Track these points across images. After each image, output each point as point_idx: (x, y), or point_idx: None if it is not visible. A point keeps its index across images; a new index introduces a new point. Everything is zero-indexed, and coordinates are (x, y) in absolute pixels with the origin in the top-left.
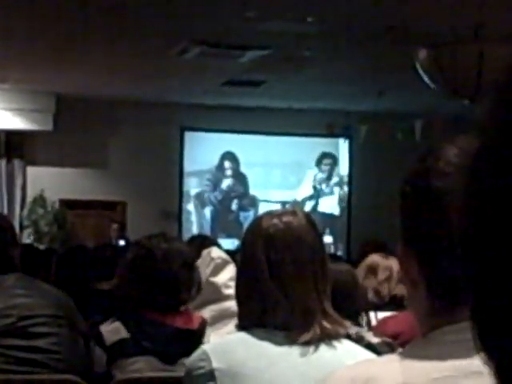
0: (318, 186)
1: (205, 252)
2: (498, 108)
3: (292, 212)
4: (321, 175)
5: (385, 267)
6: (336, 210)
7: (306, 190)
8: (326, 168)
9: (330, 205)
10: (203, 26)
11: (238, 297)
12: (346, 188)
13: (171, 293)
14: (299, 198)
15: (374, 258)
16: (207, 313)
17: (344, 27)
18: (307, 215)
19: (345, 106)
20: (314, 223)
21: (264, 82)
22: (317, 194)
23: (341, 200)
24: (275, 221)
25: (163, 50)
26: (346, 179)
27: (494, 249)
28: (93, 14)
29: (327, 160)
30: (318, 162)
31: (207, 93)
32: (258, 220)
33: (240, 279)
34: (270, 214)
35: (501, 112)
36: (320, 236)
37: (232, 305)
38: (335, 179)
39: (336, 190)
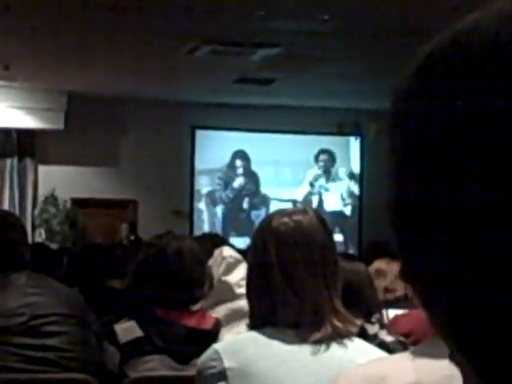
0: (314, 183)
1: (216, 251)
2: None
3: (303, 210)
4: (317, 171)
5: (391, 272)
6: (340, 207)
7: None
8: (321, 164)
9: (335, 202)
10: (214, 24)
11: (249, 295)
12: (355, 186)
13: (184, 290)
14: (300, 197)
15: (380, 264)
16: (220, 312)
17: (354, 25)
18: (318, 214)
19: (355, 104)
20: (325, 222)
21: (275, 81)
22: (318, 191)
23: (349, 196)
24: (285, 219)
25: (174, 48)
26: (356, 177)
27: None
28: (104, 12)
29: (323, 156)
30: (315, 159)
31: (218, 91)
32: (268, 219)
33: (251, 278)
34: (280, 212)
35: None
36: (330, 234)
37: (245, 304)
38: (342, 176)
39: (340, 186)
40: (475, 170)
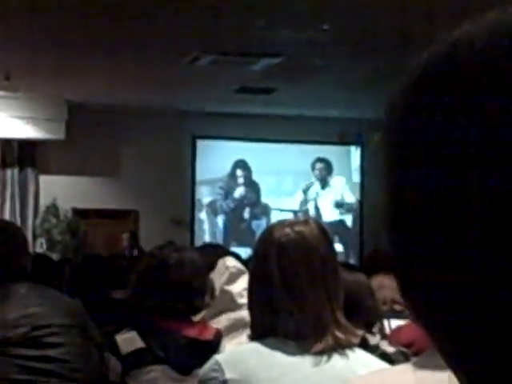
0: (309, 192)
1: (220, 262)
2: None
3: (304, 221)
4: (313, 180)
5: (393, 286)
6: (339, 216)
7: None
8: (317, 173)
9: (334, 211)
10: (215, 34)
11: (251, 306)
12: (354, 195)
13: (185, 300)
14: (296, 207)
15: (383, 278)
16: (222, 322)
17: (355, 35)
18: (319, 224)
19: (356, 113)
20: (327, 232)
21: (276, 90)
22: (313, 199)
23: (349, 206)
24: (287, 230)
25: (175, 58)
26: (357, 187)
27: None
28: (105, 22)
29: (319, 164)
30: (312, 167)
31: (219, 101)
32: (269, 229)
33: (252, 288)
34: (281, 223)
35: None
36: (332, 245)
37: (246, 314)
38: (341, 185)
39: (339, 196)
40: (473, 187)
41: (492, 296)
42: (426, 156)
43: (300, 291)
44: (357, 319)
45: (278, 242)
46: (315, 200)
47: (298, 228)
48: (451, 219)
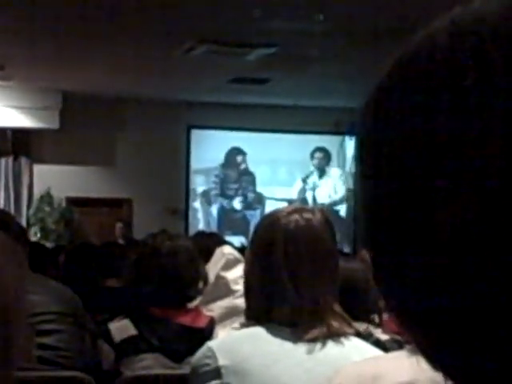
0: (307, 180)
1: (218, 250)
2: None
3: (311, 210)
4: (312, 169)
5: None
6: (334, 205)
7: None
8: (316, 162)
9: (328, 200)
10: (210, 24)
11: (247, 291)
12: (348, 185)
13: (178, 289)
14: (294, 195)
15: None
16: (216, 309)
17: (350, 25)
18: (324, 214)
19: (351, 103)
20: (331, 222)
21: (270, 80)
22: (311, 188)
23: (343, 195)
24: (296, 217)
25: (170, 47)
26: (351, 177)
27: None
28: (99, 11)
29: (319, 154)
30: (311, 156)
31: (214, 91)
32: (275, 215)
33: (252, 273)
34: (289, 209)
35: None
36: (334, 236)
37: (240, 303)
38: (336, 174)
39: (334, 185)
40: (443, 194)
41: (461, 293)
42: (396, 163)
43: (301, 277)
44: (352, 306)
45: (285, 228)
46: (313, 189)
47: (306, 215)
48: (422, 226)
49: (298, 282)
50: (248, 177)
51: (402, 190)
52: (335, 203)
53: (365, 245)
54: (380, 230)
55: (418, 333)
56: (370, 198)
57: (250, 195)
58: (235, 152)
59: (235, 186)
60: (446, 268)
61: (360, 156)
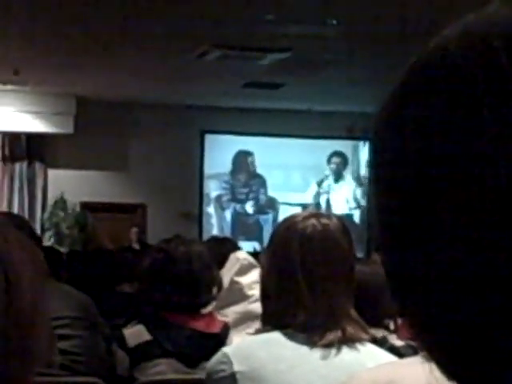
0: (323, 185)
1: (232, 255)
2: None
3: (327, 215)
4: (326, 173)
5: None
6: (348, 210)
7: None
8: (333, 167)
9: (343, 205)
10: (224, 28)
11: (264, 292)
12: (362, 190)
13: (192, 294)
14: (309, 200)
15: None
16: (230, 314)
17: (363, 30)
18: (341, 220)
19: (365, 108)
20: (347, 228)
21: (284, 85)
22: (326, 192)
23: (356, 200)
24: (313, 221)
25: (184, 52)
26: (365, 181)
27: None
28: (114, 16)
29: (336, 158)
30: (328, 161)
31: (227, 95)
32: (292, 219)
33: (268, 277)
34: (306, 214)
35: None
36: (351, 242)
37: (255, 308)
38: (350, 180)
39: (348, 190)
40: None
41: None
42: (409, 169)
43: (316, 280)
44: (369, 312)
45: (302, 232)
46: (327, 194)
47: (323, 221)
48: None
49: (313, 285)
50: (261, 182)
51: (414, 194)
52: (349, 208)
53: (377, 248)
54: (390, 233)
55: (430, 340)
56: (382, 202)
57: (262, 197)
58: (243, 154)
59: (245, 189)
60: (457, 272)
61: (373, 162)
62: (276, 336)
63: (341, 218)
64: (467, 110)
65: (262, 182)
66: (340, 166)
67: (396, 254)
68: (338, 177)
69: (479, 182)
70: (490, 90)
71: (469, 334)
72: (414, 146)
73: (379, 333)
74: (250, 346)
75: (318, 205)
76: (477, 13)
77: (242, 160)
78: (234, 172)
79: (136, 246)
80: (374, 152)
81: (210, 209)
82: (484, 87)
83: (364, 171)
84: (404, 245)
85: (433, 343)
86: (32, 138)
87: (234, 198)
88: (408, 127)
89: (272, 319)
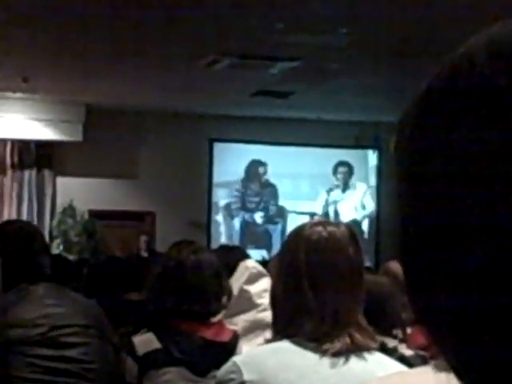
0: (331, 194)
1: (241, 264)
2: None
3: (336, 223)
4: (335, 183)
5: None
6: (356, 219)
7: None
8: (340, 176)
9: (351, 214)
10: (233, 37)
11: (273, 300)
12: (371, 199)
13: (202, 303)
14: (318, 209)
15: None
16: (240, 323)
17: (373, 39)
18: (350, 228)
19: (374, 117)
20: (356, 237)
21: (293, 94)
22: (334, 202)
23: (365, 209)
24: (319, 228)
25: (193, 61)
26: (374, 190)
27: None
28: (122, 25)
29: (342, 168)
30: (334, 171)
31: (237, 104)
32: (301, 226)
33: (278, 282)
34: (314, 222)
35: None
36: (360, 250)
37: (264, 316)
38: (359, 189)
39: (356, 199)
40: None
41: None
42: (434, 177)
43: (322, 288)
44: (377, 321)
45: (308, 238)
46: (335, 203)
47: (330, 228)
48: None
49: (318, 291)
50: (270, 189)
51: (438, 203)
52: (357, 217)
53: (400, 252)
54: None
55: (447, 336)
56: (408, 210)
57: (272, 208)
58: (256, 164)
59: (256, 199)
60: (479, 268)
61: (398, 172)
62: (285, 345)
63: (350, 225)
64: (495, 119)
65: (274, 192)
66: (346, 175)
67: (423, 256)
68: (345, 186)
69: (506, 188)
70: None
71: (485, 324)
72: (438, 154)
73: (390, 343)
74: (259, 354)
75: (326, 214)
76: (502, 22)
77: (255, 169)
78: (246, 181)
79: (145, 254)
80: (396, 164)
81: (219, 217)
82: (510, 99)
83: (373, 180)
84: (432, 248)
85: (453, 348)
86: (41, 145)
87: (244, 207)
88: (432, 135)
89: (281, 327)
